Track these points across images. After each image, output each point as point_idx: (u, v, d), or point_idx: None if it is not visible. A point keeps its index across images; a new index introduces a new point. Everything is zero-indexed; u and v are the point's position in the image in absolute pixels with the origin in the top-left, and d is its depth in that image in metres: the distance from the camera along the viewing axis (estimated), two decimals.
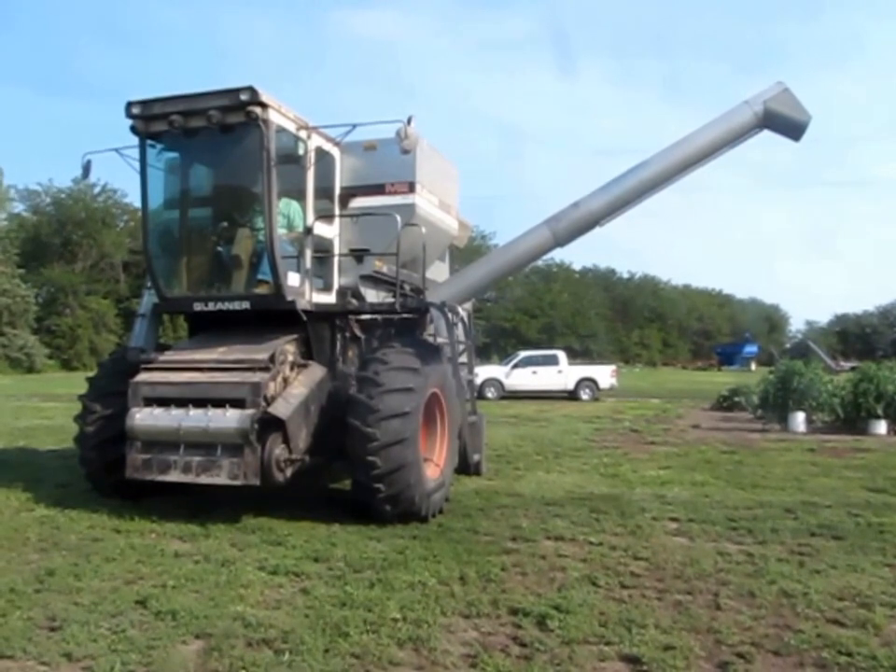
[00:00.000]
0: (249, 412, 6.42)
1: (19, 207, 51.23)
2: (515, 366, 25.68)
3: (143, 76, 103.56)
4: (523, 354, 27.51)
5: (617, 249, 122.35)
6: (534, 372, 25.18)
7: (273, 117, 6.91)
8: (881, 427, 14.36)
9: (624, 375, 34.13)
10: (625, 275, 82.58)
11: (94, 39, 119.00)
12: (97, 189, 50.71)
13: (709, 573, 5.30)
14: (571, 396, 24.66)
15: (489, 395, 24.07)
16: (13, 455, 10.55)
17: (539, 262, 68.40)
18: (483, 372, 24.82)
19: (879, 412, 14.35)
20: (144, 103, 7.07)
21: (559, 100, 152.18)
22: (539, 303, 66.53)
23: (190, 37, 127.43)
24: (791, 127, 10.00)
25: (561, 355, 26.71)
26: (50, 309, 47.27)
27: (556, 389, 24.84)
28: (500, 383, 24.92)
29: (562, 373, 25.30)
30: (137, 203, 7.73)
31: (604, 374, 25.70)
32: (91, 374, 7.99)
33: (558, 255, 72.07)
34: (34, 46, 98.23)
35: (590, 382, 25.20)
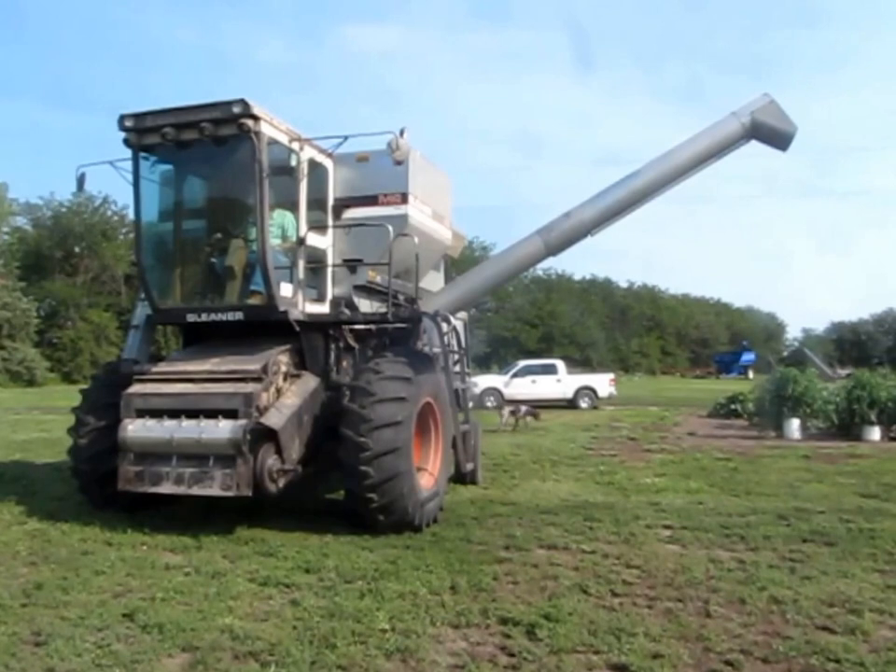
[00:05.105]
0: (242, 422, 6.43)
1: (21, 221, 51.39)
2: (514, 375, 25.67)
3: (147, 89, 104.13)
4: (522, 363, 27.51)
5: (616, 259, 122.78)
6: (533, 381, 25.16)
7: (265, 129, 6.96)
8: (875, 433, 14.40)
9: (624, 384, 34.15)
10: (624, 284, 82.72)
11: (99, 53, 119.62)
12: (97, 202, 50.83)
13: (700, 580, 5.29)
14: (570, 404, 24.65)
15: (489, 404, 24.05)
16: (9, 469, 10.51)
17: (539, 272, 68.80)
18: (483, 381, 24.82)
19: (873, 418, 14.41)
20: (137, 115, 7.13)
21: (565, 107, 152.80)
22: (539, 313, 66.55)
23: (195, 52, 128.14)
24: (778, 137, 10.13)
25: (560, 364, 26.73)
26: (52, 322, 47.23)
27: (555, 398, 24.82)
28: (500, 392, 24.90)
29: (561, 382, 25.32)
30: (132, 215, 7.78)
31: (602, 383, 25.73)
32: (85, 387, 8.02)
33: (558, 265, 72.44)
34: (38, 60, 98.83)
35: (589, 390, 25.24)
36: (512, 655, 4.05)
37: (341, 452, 6.57)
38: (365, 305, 8.15)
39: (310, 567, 5.59)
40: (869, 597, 4.90)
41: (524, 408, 17.31)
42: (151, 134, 7.10)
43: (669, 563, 5.73)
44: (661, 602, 4.86)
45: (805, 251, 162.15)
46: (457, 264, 14.03)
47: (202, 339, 7.71)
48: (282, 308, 7.16)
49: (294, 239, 7.49)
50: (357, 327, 7.80)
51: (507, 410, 17.22)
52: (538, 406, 23.80)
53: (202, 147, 7.07)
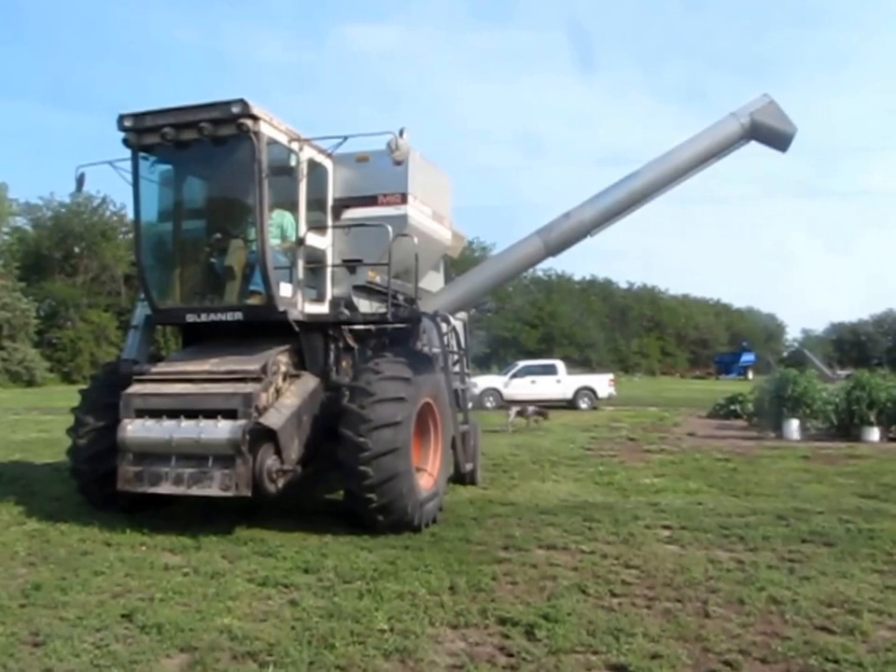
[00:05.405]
0: (241, 422, 6.42)
1: (21, 221, 51.36)
2: (514, 375, 25.68)
3: (147, 89, 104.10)
4: (521, 363, 27.52)
5: (616, 259, 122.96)
6: (533, 382, 25.17)
7: (265, 129, 6.96)
8: (874, 433, 14.43)
9: (623, 384, 34.16)
10: (624, 285, 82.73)
11: (99, 54, 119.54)
12: (96, 202, 50.80)
13: (699, 581, 5.29)
14: (570, 405, 24.65)
15: (488, 404, 24.05)
16: (8, 469, 10.49)
17: (539, 273, 68.76)
18: (483, 382, 24.83)
19: (872, 419, 14.43)
20: (136, 115, 7.12)
21: (566, 107, 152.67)
22: (539, 313, 66.54)
23: (195, 52, 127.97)
24: (778, 138, 10.14)
25: (559, 364, 26.75)
26: (52, 322, 47.19)
27: (555, 398, 24.81)
28: (499, 392, 24.91)
29: (560, 383, 25.33)
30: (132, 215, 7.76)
31: (602, 383, 25.74)
32: (84, 387, 8.02)
33: (558, 266, 72.34)
34: (38, 60, 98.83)
35: (588, 391, 25.25)
36: (511, 655, 4.05)
37: (340, 452, 6.57)
38: (364, 305, 8.15)
39: (309, 567, 5.59)
40: (868, 598, 4.90)
41: (531, 408, 17.28)
42: (151, 134, 7.09)
43: (668, 563, 5.73)
44: (660, 602, 4.86)
45: (805, 251, 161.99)
46: (457, 264, 14.04)
47: (201, 339, 7.71)
48: (281, 308, 7.15)
49: (293, 239, 7.49)
50: (356, 327, 7.80)
51: (514, 410, 17.16)
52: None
53: (201, 146, 7.07)
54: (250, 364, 6.88)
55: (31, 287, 44.87)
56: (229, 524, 6.77)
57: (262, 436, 6.46)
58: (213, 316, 7.27)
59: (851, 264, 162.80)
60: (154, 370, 7.25)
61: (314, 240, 7.68)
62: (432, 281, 9.85)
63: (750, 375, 57.80)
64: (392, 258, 7.57)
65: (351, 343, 7.79)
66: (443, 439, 7.62)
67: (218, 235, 7.59)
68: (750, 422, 16.88)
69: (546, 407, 18.46)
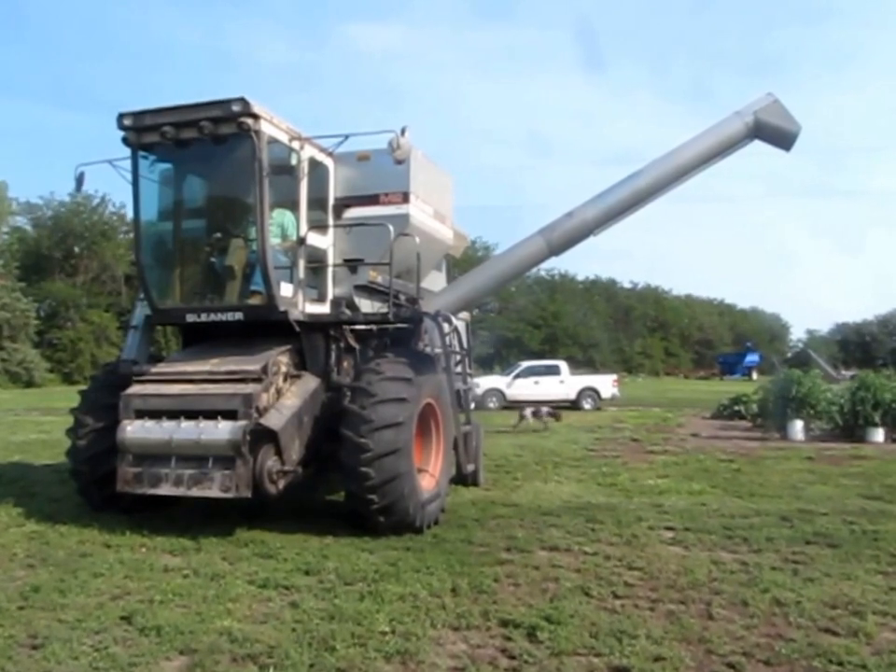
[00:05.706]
0: (241, 423, 6.39)
1: (21, 220, 51.39)
2: (517, 376, 25.65)
3: (149, 89, 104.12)
4: (525, 364, 27.48)
5: (620, 259, 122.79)
6: (536, 382, 25.12)
7: (265, 127, 6.93)
8: (879, 434, 14.37)
9: (627, 385, 34.11)
10: (628, 285, 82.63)
11: (101, 53, 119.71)
12: (95, 201, 50.79)
13: (703, 582, 5.26)
14: (573, 405, 24.60)
15: (491, 405, 24.01)
16: (7, 470, 10.47)
17: (542, 273, 68.64)
18: (485, 383, 24.82)
19: (877, 419, 14.38)
20: (136, 114, 7.10)
21: (570, 107, 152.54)
22: (542, 314, 66.46)
23: (198, 52, 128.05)
24: (782, 137, 10.07)
25: (563, 365, 26.71)
26: (52, 322, 47.18)
27: (558, 399, 24.74)
28: (502, 393, 24.88)
29: (564, 383, 25.27)
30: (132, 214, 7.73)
31: (605, 384, 25.71)
32: (84, 387, 7.99)
33: (561, 265, 72.26)
34: (38, 60, 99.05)
35: (592, 391, 25.21)
36: (513, 657, 4.02)
37: (341, 453, 6.53)
38: (366, 305, 8.11)
39: (310, 568, 5.56)
40: (872, 599, 4.86)
41: (545, 409, 17.26)
42: (150, 133, 7.06)
43: (671, 565, 5.70)
44: (663, 604, 4.83)
45: (809, 251, 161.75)
46: (460, 264, 14.01)
47: (201, 339, 7.68)
48: (282, 308, 7.12)
49: (294, 238, 7.46)
50: (357, 327, 7.76)
51: (529, 410, 17.13)
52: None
53: (201, 145, 7.04)
54: (251, 364, 6.84)
55: (31, 287, 44.84)
56: (229, 525, 6.74)
57: (263, 437, 6.43)
58: (213, 316, 7.24)
59: (856, 264, 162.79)
60: (154, 370, 7.22)
61: (315, 239, 7.65)
62: (434, 281, 9.81)
63: (755, 376, 57.64)
64: (393, 257, 7.53)
65: (352, 343, 7.75)
66: (445, 439, 7.59)
67: (219, 235, 7.56)
68: (754, 423, 16.83)
69: (552, 408, 18.45)
